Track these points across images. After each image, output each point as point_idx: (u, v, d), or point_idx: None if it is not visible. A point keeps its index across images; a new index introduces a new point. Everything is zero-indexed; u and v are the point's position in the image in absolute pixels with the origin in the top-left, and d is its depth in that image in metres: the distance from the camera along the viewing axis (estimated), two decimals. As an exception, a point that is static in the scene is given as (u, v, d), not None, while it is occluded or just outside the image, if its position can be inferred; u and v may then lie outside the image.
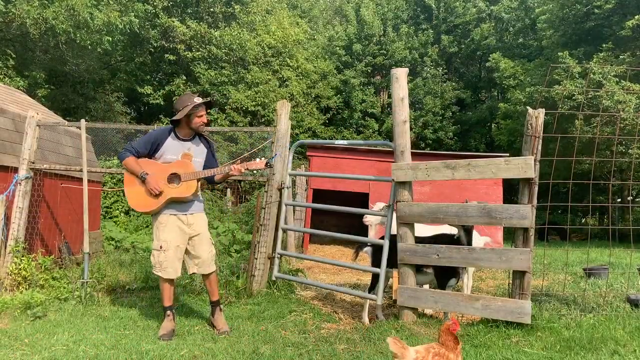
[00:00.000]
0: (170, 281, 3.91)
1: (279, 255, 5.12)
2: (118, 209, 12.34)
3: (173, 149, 3.89)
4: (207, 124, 4.10)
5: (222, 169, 3.93)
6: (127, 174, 3.89)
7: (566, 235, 15.53)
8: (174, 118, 3.87)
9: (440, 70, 25.72)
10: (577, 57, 16.61)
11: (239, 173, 3.86)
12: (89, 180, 5.70)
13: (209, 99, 4.02)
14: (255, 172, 4.70)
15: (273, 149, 5.26)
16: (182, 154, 3.89)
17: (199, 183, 3.94)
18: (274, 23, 22.65)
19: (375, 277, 4.42)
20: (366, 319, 4.39)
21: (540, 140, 3.63)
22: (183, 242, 3.90)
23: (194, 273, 4.06)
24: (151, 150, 3.89)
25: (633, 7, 15.92)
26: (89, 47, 14.98)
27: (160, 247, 3.83)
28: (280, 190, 5.20)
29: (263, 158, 3.95)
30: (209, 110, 4.13)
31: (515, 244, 3.67)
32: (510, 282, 3.73)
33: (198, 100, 3.86)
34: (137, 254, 7.78)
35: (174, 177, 3.82)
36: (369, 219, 5.25)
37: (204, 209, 4.12)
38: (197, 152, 3.97)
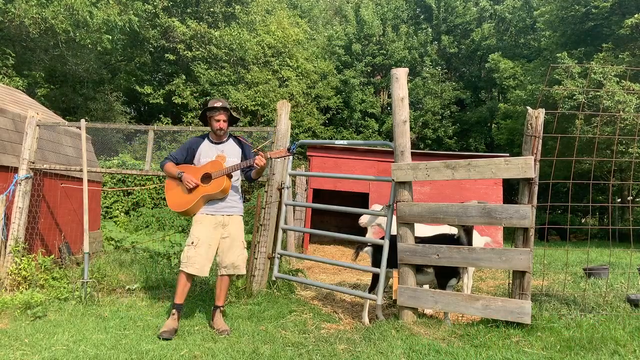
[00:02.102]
0: (190, 278, 3.98)
1: (279, 255, 5.12)
2: (118, 209, 12.35)
3: (207, 152, 4.12)
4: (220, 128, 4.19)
5: (246, 163, 4.04)
6: (167, 180, 4.17)
7: (566, 235, 15.54)
8: (199, 118, 4.38)
9: (439, 70, 25.72)
10: (577, 57, 16.63)
11: (263, 163, 3.97)
12: (89, 180, 5.70)
13: (225, 105, 4.13)
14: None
15: (273, 149, 5.26)
16: (216, 156, 4.09)
17: (231, 180, 4.06)
18: (273, 23, 22.66)
19: (376, 277, 4.42)
20: (366, 319, 4.39)
21: (541, 140, 3.63)
22: (215, 242, 4.02)
23: (223, 275, 4.10)
24: (188, 156, 4.16)
25: (632, 6, 15.93)
26: (89, 46, 14.99)
27: (192, 243, 3.95)
28: (280, 190, 5.20)
29: (283, 147, 4.10)
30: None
31: (515, 244, 3.66)
32: (510, 282, 3.73)
33: (216, 104, 4.08)
34: (137, 254, 7.76)
35: (205, 177, 4.02)
36: (362, 221, 5.24)
37: (241, 212, 4.22)
38: (231, 153, 4.14)
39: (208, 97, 20.35)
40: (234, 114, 4.28)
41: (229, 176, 4.03)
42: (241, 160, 4.15)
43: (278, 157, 4.15)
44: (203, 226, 4.00)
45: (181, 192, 4.05)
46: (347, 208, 5.11)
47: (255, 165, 3.98)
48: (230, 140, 4.24)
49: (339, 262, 5.70)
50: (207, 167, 4.05)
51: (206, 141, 4.17)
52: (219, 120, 4.09)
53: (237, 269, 4.08)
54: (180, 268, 3.96)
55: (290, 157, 5.21)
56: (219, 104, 4.08)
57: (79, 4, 13.37)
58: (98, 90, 19.44)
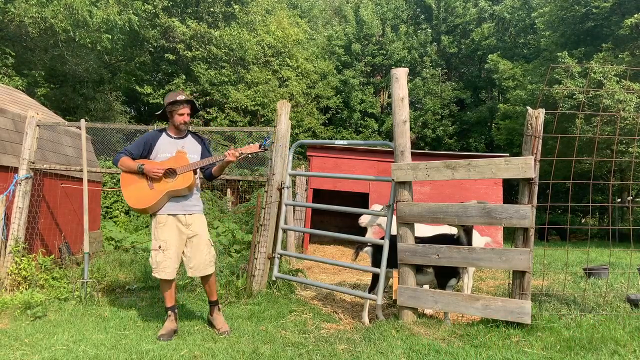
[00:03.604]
0: (170, 281, 3.89)
1: (279, 255, 5.11)
2: (118, 209, 12.34)
3: (166, 148, 3.90)
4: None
5: (216, 158, 3.90)
6: (123, 174, 3.88)
7: (566, 235, 15.54)
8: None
9: (439, 70, 25.71)
10: (576, 57, 16.64)
11: (235, 158, 3.81)
12: (89, 180, 5.70)
13: (189, 98, 3.96)
14: (254, 166, 4.76)
15: (273, 149, 5.26)
16: (176, 151, 3.89)
17: (196, 177, 3.94)
18: (273, 23, 22.66)
19: (376, 277, 4.42)
20: (366, 319, 4.39)
21: (541, 140, 3.63)
22: (181, 243, 3.88)
23: (192, 276, 4.01)
24: (144, 151, 3.90)
25: (632, 6, 15.93)
26: (89, 45, 14.96)
27: (159, 247, 3.80)
28: (280, 190, 5.20)
29: (257, 142, 3.95)
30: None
31: (515, 244, 3.66)
32: (510, 282, 3.73)
33: (180, 97, 3.88)
34: (137, 254, 7.76)
35: (169, 172, 3.82)
36: (362, 221, 5.24)
37: (203, 210, 4.10)
38: (191, 149, 3.97)
39: (208, 97, 20.33)
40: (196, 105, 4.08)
41: (194, 172, 3.88)
42: (202, 156, 3.98)
43: (250, 153, 3.93)
44: (167, 228, 3.81)
45: (143, 188, 3.77)
46: (347, 208, 5.11)
47: (227, 160, 3.82)
48: (190, 136, 4.03)
49: (339, 262, 5.70)
50: (169, 162, 3.82)
51: (164, 136, 3.93)
52: (183, 114, 3.87)
53: (206, 268, 3.92)
54: (153, 274, 3.85)
55: (290, 157, 5.21)
56: (182, 97, 3.88)
57: (79, 3, 13.35)
58: (98, 90, 19.42)
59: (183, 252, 3.90)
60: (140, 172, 3.79)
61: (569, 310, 3.91)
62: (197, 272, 3.91)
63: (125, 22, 15.14)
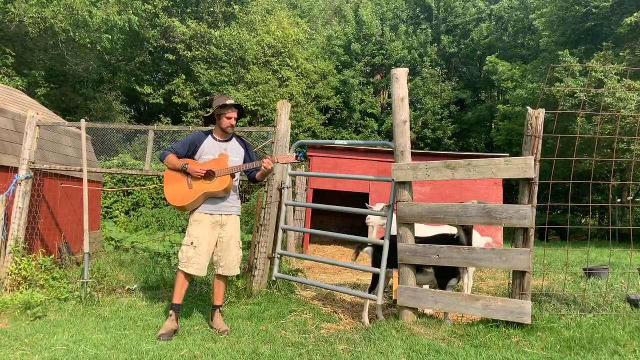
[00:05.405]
0: (189, 278, 4.00)
1: (279, 255, 5.11)
2: (118, 209, 12.35)
3: (210, 150, 4.06)
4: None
5: (254, 164, 4.04)
6: (167, 172, 4.06)
7: (566, 235, 15.54)
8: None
9: (439, 70, 25.69)
10: (577, 56, 16.63)
11: (272, 166, 3.99)
12: (89, 180, 5.69)
13: (237, 102, 4.12)
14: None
15: (273, 149, 5.26)
16: (219, 154, 4.05)
17: (233, 180, 4.06)
18: (273, 23, 22.65)
19: (376, 277, 4.42)
20: (366, 319, 4.39)
21: (541, 140, 3.63)
22: (213, 242, 4.02)
23: (219, 275, 4.10)
24: (189, 151, 4.07)
25: (632, 5, 15.93)
26: (89, 45, 14.98)
27: (192, 243, 3.94)
28: (280, 190, 5.20)
29: (293, 152, 4.08)
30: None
31: (515, 244, 3.66)
32: (510, 282, 3.73)
33: (229, 101, 4.04)
34: (137, 254, 7.77)
35: (209, 174, 3.98)
36: (371, 220, 5.24)
37: (239, 211, 4.23)
38: (234, 152, 4.12)
39: (208, 97, 20.34)
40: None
41: (232, 175, 4.02)
42: (244, 161, 4.14)
43: (285, 163, 4.14)
44: (202, 225, 3.98)
45: (182, 186, 3.99)
46: (348, 208, 5.11)
47: (263, 168, 3.98)
48: (234, 139, 4.21)
49: (339, 262, 5.70)
50: (210, 164, 4.00)
51: (209, 138, 4.11)
52: (230, 118, 4.05)
53: (233, 269, 4.10)
54: (180, 268, 3.93)
55: (291, 158, 5.22)
56: (230, 101, 4.05)
57: (79, 3, 13.37)
58: (98, 90, 19.42)
59: (213, 251, 4.04)
60: (184, 171, 3.97)
61: (569, 310, 3.91)
62: (226, 272, 4.07)
63: (125, 22, 15.15)
